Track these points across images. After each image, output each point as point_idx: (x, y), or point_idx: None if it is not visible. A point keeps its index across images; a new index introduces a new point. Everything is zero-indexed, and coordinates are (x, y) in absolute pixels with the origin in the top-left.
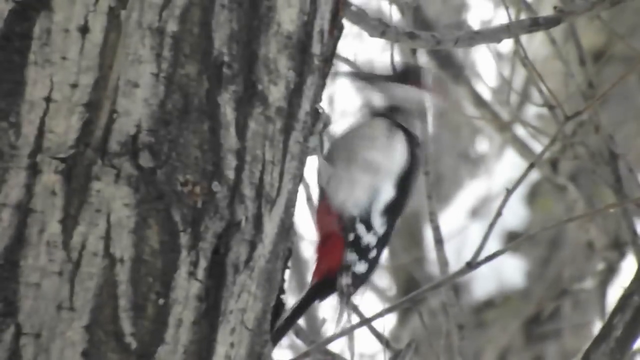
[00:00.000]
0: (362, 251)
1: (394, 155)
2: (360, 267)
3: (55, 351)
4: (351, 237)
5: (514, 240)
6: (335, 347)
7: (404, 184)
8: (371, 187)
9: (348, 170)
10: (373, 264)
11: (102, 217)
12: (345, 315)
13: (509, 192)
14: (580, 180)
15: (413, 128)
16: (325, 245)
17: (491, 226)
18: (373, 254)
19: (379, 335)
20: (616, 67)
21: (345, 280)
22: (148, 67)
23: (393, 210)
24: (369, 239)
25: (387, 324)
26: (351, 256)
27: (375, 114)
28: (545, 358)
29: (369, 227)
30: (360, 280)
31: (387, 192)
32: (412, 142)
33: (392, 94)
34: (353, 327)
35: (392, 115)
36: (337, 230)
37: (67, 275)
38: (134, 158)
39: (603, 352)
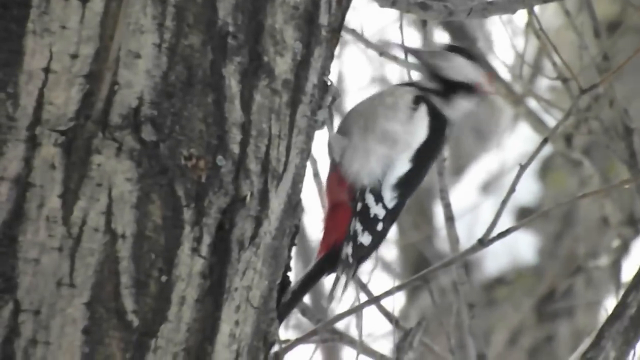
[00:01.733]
0: (369, 222)
1: (414, 128)
2: (365, 239)
3: (55, 328)
4: (359, 206)
5: (526, 216)
6: (342, 325)
7: (421, 159)
8: (386, 159)
9: (364, 140)
10: (379, 237)
11: (104, 191)
12: (348, 288)
13: (522, 167)
14: (594, 155)
15: (446, 106)
16: (333, 217)
17: (504, 202)
18: (380, 227)
19: (388, 314)
20: (631, 39)
21: (347, 249)
22: (150, 37)
23: (406, 186)
24: (377, 210)
25: (396, 302)
26: (357, 226)
27: (405, 84)
28: (557, 337)
29: (378, 198)
30: (364, 253)
31: (402, 166)
32: (438, 118)
33: (445, 63)
34: (361, 306)
35: (425, 87)
36: (346, 201)
37: (67, 251)
38: (136, 131)
39: (617, 330)
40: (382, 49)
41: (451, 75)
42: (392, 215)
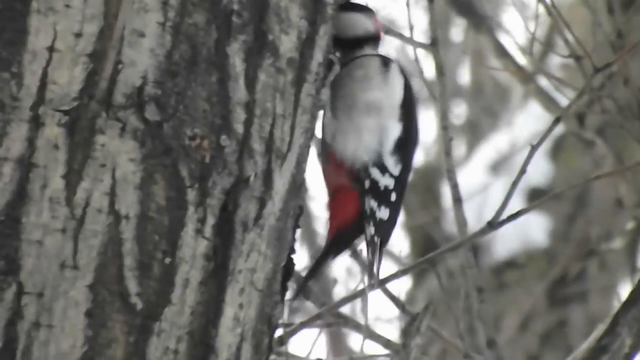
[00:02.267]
0: (382, 196)
1: (392, 89)
2: (383, 214)
3: (58, 311)
4: (367, 184)
5: (537, 198)
6: (347, 310)
7: (408, 116)
8: (377, 128)
9: (350, 118)
10: (395, 207)
11: (107, 172)
12: (356, 273)
13: (534, 147)
14: (608, 135)
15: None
16: (335, 201)
17: (514, 184)
18: (393, 197)
19: (394, 298)
20: None
21: (370, 230)
22: (154, 15)
23: (405, 147)
24: (385, 181)
25: (402, 285)
26: (371, 203)
27: (360, 54)
28: (569, 322)
29: (383, 169)
30: (386, 228)
31: (394, 129)
32: (403, 73)
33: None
34: (366, 289)
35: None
36: (347, 183)
37: (71, 232)
38: (140, 111)
39: (633, 316)
40: (388, 27)
41: (355, 33)
42: (401, 180)
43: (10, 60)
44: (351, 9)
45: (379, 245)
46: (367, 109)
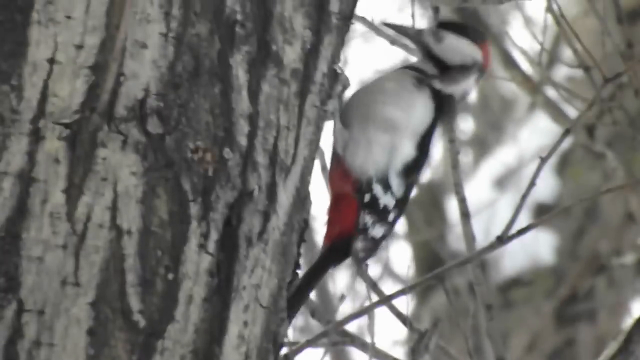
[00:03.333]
0: (380, 213)
1: (415, 112)
2: (377, 231)
3: (59, 329)
4: (367, 198)
5: (544, 213)
6: (353, 327)
7: (426, 143)
8: (389, 146)
9: (365, 131)
10: (391, 228)
11: (109, 186)
12: (359, 288)
13: (543, 160)
14: (618, 147)
15: (448, 85)
16: (336, 209)
17: (524, 197)
18: (391, 216)
19: (400, 315)
20: None
21: (358, 245)
22: (156, 26)
23: (413, 171)
24: (386, 200)
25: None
26: (367, 218)
27: (402, 67)
28: (578, 341)
29: (386, 187)
30: (376, 245)
31: (407, 152)
32: (441, 99)
33: (438, 45)
34: (373, 306)
35: (424, 71)
36: (350, 192)
37: (72, 248)
38: (142, 123)
39: None
40: (394, 38)
41: (447, 57)
42: (401, 203)
43: (10, 73)
44: (452, 30)
45: (364, 262)
46: (384, 124)
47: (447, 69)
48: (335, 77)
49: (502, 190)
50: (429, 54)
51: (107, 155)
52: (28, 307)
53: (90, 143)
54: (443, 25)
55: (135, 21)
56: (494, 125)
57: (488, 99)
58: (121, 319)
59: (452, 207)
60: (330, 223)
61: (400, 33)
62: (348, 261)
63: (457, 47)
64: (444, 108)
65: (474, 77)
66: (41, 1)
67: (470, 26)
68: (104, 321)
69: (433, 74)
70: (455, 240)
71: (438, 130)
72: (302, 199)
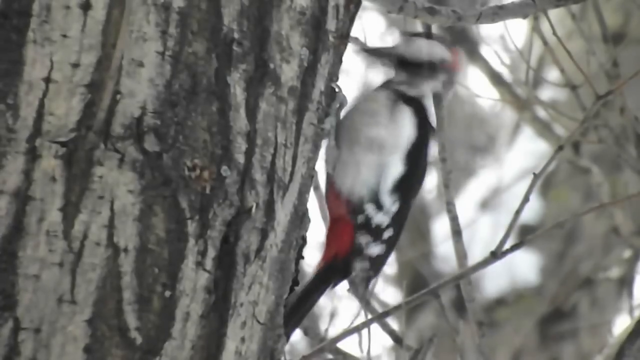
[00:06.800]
0: (375, 232)
1: (398, 129)
2: (375, 249)
3: (56, 347)
4: (360, 218)
5: (527, 234)
6: (346, 345)
7: (414, 158)
8: (377, 165)
9: (352, 152)
10: (390, 244)
11: (105, 204)
12: (359, 307)
13: (536, 176)
14: (602, 164)
15: (423, 99)
16: (332, 230)
17: (517, 213)
18: (388, 234)
19: (393, 332)
20: (635, 49)
21: (358, 265)
22: (153, 45)
23: (405, 187)
24: (380, 218)
25: (396, 322)
26: (363, 239)
27: (380, 86)
28: (561, 359)
29: (378, 206)
30: (377, 263)
31: (395, 169)
32: (421, 113)
33: (410, 48)
34: (367, 323)
35: (399, 87)
36: (345, 214)
37: (68, 266)
38: (139, 142)
39: (638, 347)
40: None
41: (415, 56)
42: (399, 219)
43: (6, 92)
44: (429, 37)
45: (363, 282)
46: (369, 145)
47: (415, 69)
48: (333, 95)
49: (485, 212)
50: (400, 63)
51: (104, 173)
52: (24, 325)
53: (87, 161)
54: (416, 35)
55: (132, 40)
56: (479, 148)
57: (472, 119)
58: (118, 337)
59: (435, 229)
60: (327, 245)
61: (376, 56)
62: (345, 282)
63: (425, 46)
64: (425, 122)
65: (443, 77)
66: (37, 20)
67: (444, 36)
68: (101, 339)
69: (401, 79)
70: (439, 261)
71: (428, 143)
72: (299, 216)
